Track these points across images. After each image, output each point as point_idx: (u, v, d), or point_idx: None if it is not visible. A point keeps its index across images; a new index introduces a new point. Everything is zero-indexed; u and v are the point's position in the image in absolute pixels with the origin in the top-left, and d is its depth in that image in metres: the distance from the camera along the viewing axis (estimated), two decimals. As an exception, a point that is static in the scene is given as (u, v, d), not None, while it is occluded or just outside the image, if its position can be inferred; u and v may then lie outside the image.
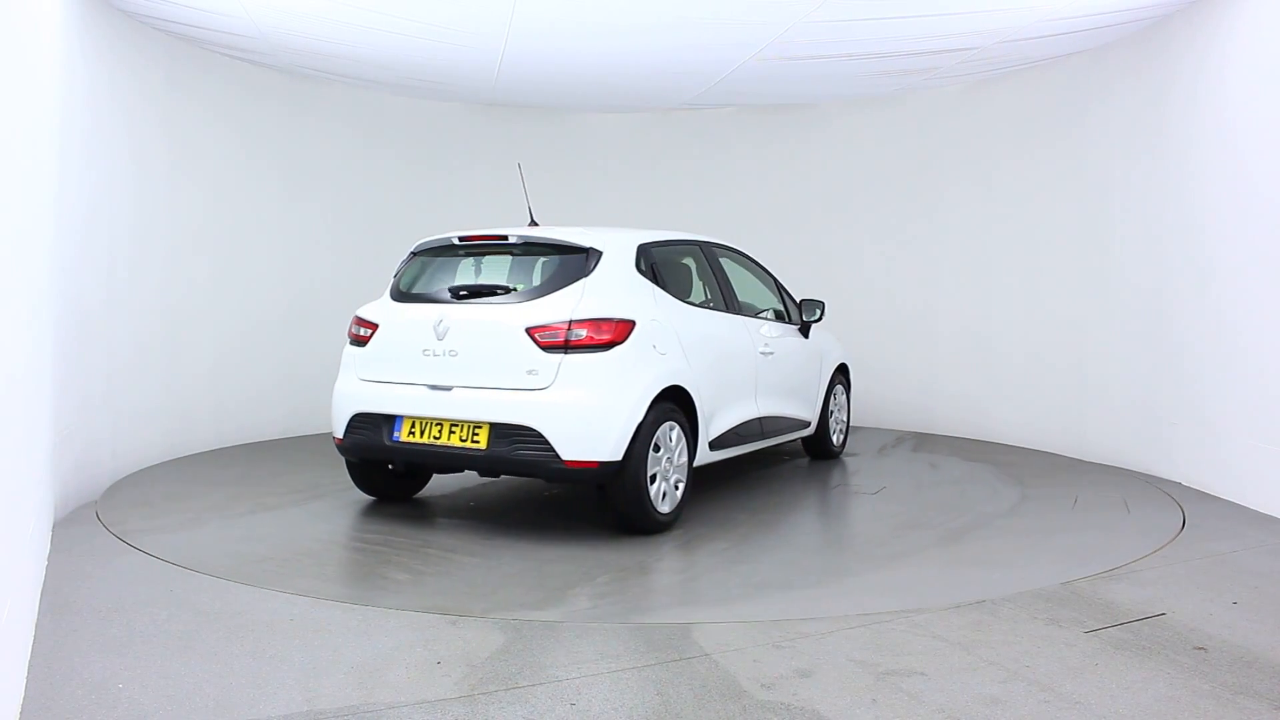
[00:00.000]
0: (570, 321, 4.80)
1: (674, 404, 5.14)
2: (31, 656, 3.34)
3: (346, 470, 5.81)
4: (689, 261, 6.09)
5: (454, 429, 4.95)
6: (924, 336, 8.63)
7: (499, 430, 4.83)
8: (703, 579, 4.49)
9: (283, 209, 8.02)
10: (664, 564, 4.71)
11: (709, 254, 6.18)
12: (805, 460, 7.42)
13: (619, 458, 4.77)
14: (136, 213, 6.56)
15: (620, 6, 6.17)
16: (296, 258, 8.06)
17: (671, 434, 5.12)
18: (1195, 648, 3.54)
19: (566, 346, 4.77)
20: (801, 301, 6.96)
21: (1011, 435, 8.00)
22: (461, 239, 5.42)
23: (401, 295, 5.43)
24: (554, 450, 4.72)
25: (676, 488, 5.22)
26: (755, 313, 6.53)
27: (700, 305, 5.80)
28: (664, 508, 5.10)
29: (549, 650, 3.47)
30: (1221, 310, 6.00)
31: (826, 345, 7.25)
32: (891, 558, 4.79)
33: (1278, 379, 5.53)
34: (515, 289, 5.13)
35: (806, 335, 6.87)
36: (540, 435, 4.73)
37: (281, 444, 7.70)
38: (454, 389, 4.97)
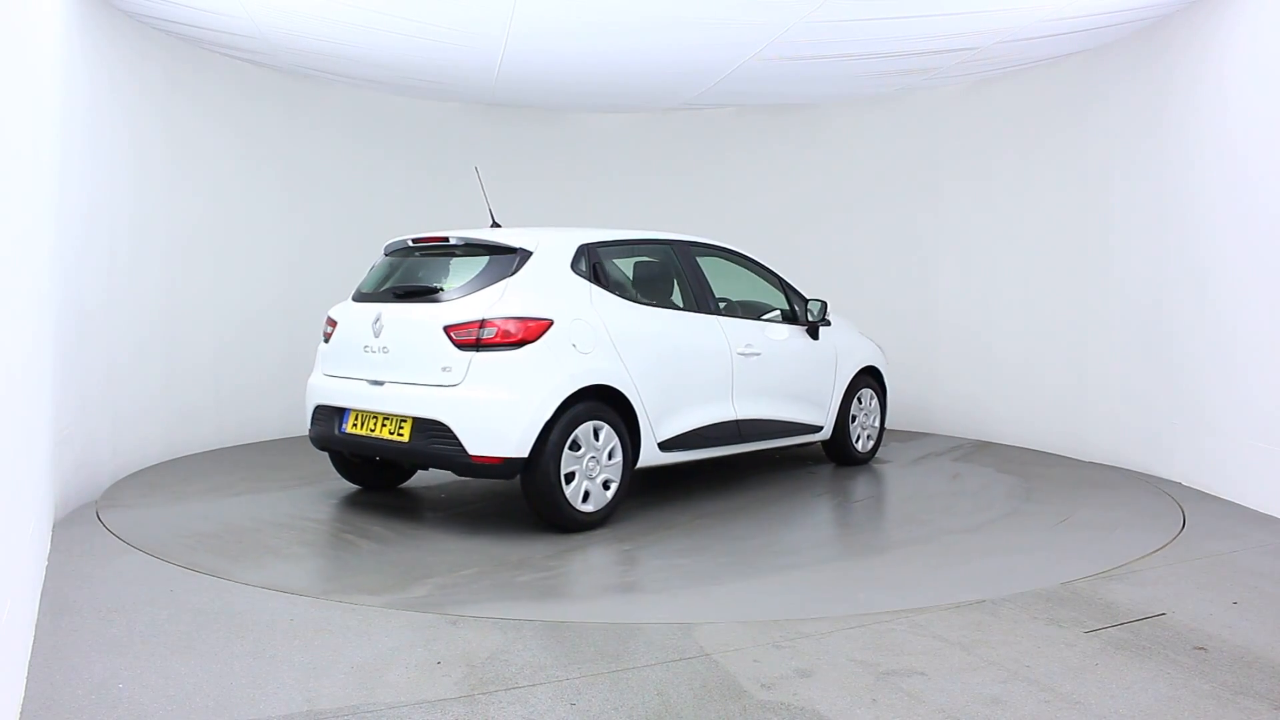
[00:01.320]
0: (482, 320, 4.94)
1: (603, 403, 5.19)
2: (31, 656, 3.34)
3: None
4: (654, 261, 6.09)
5: (385, 422, 5.15)
6: (924, 336, 8.63)
7: (418, 424, 4.99)
8: (575, 579, 4.44)
9: (282, 208, 8.02)
10: (544, 560, 4.63)
11: (683, 254, 6.09)
12: (825, 466, 7.12)
13: (524, 454, 4.87)
14: (136, 212, 6.56)
15: (620, 6, 6.17)
16: (296, 257, 8.06)
17: (599, 433, 5.16)
18: (1195, 648, 3.54)
19: (478, 345, 4.91)
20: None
21: (1011, 435, 8.00)
22: (414, 241, 5.63)
23: (360, 295, 5.70)
24: (461, 445, 4.86)
25: (606, 488, 5.23)
26: (759, 314, 6.50)
27: (658, 305, 5.77)
28: (585, 506, 5.13)
29: (549, 650, 3.47)
30: (1221, 309, 6.00)
31: (846, 347, 6.97)
32: (779, 570, 4.56)
33: (1278, 378, 5.53)
34: (443, 288, 5.29)
35: (815, 336, 6.69)
36: (450, 430, 4.87)
37: (281, 443, 7.70)
38: (386, 384, 5.20)
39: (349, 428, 5.35)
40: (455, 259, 5.45)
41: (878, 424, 7.32)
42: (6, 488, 2.85)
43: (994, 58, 7.27)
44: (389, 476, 6.12)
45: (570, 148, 9.49)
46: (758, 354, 6.15)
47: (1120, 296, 6.99)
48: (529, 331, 4.96)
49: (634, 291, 5.73)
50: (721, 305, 6.34)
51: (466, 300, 5.08)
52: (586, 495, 5.14)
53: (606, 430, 5.19)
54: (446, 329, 4.99)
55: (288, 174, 8.06)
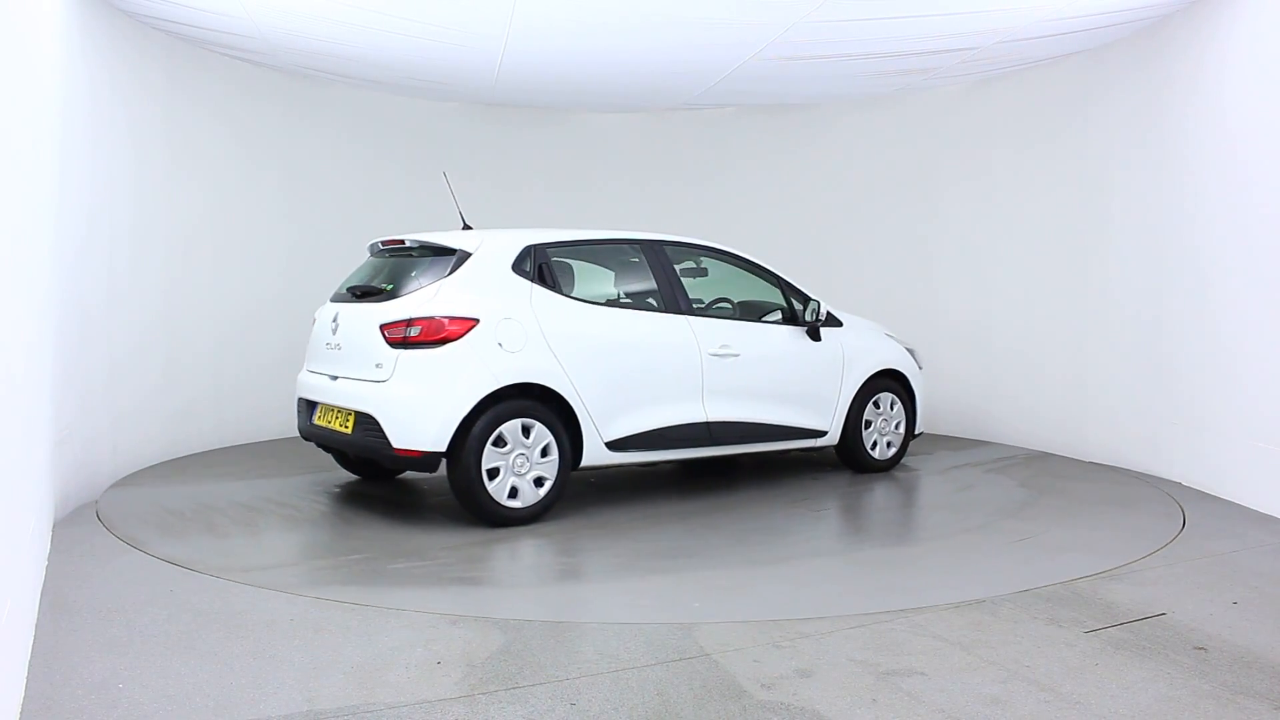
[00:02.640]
0: (409, 319, 5.16)
1: (538, 401, 5.29)
2: (31, 656, 3.34)
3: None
4: (619, 261, 6.12)
5: (336, 415, 5.47)
6: (924, 336, 8.62)
7: (358, 418, 5.28)
8: (446, 570, 4.53)
9: (282, 208, 8.02)
10: (439, 553, 4.79)
11: (653, 254, 6.04)
12: (836, 473, 6.82)
13: (442, 449, 5.05)
14: (137, 212, 6.56)
15: (620, 6, 6.17)
16: (296, 256, 8.06)
17: (530, 431, 5.25)
18: (1195, 648, 3.54)
19: (405, 342, 5.13)
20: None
21: (1011, 435, 8.00)
22: (383, 243, 5.92)
23: (334, 294, 6.02)
24: (386, 438, 5.09)
25: (540, 485, 5.30)
26: (760, 314, 6.45)
27: (617, 305, 5.81)
28: (512, 502, 5.23)
29: (549, 650, 3.47)
30: (1221, 309, 6.00)
31: (859, 348, 6.67)
32: (655, 571, 4.56)
33: (1277, 378, 5.54)
34: (388, 288, 5.51)
35: (816, 338, 6.47)
36: (378, 423, 5.12)
37: (281, 443, 7.69)
38: (339, 379, 5.51)
39: (316, 419, 5.67)
40: (410, 260, 5.67)
41: (902, 430, 6.95)
42: (6, 488, 2.85)
43: (994, 58, 7.27)
44: (379, 468, 6.31)
45: (570, 148, 9.49)
46: (736, 355, 6.02)
47: (1120, 296, 6.99)
48: (452, 330, 5.13)
49: (587, 292, 5.75)
50: (717, 306, 6.32)
51: (403, 300, 5.31)
52: (515, 491, 5.23)
53: (539, 428, 5.27)
54: (381, 327, 5.23)
55: (287, 174, 8.06)
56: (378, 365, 5.19)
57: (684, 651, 3.46)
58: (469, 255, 5.40)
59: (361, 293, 5.63)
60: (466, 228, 6.04)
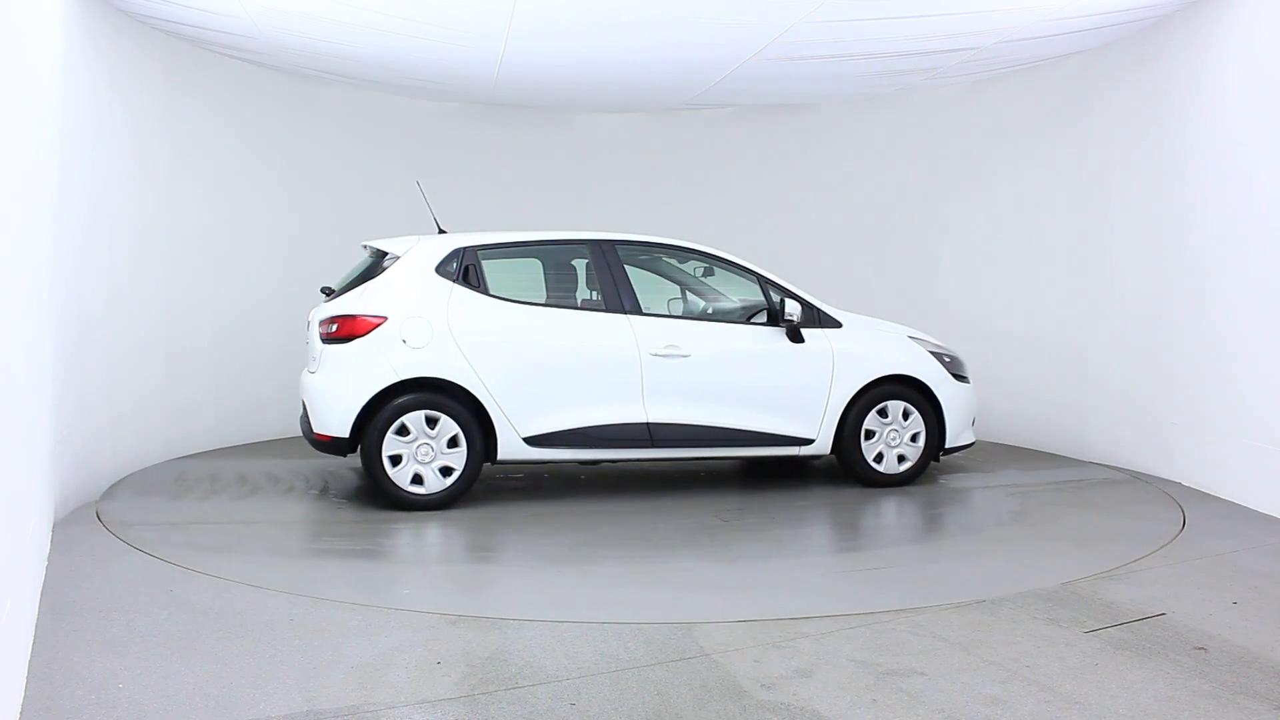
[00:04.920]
0: (332, 317, 5.70)
1: (447, 395, 5.59)
2: (31, 656, 3.34)
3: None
4: (563, 262, 6.22)
5: (303, 406, 5.96)
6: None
7: (302, 407, 5.93)
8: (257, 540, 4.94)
9: (283, 209, 8.01)
10: (296, 527, 5.36)
11: (601, 254, 6.04)
12: (835, 485, 6.38)
13: (345, 434, 5.53)
14: (137, 213, 6.56)
15: (620, 6, 6.17)
16: (297, 257, 8.05)
17: (436, 423, 5.56)
18: (1195, 648, 3.54)
19: (330, 338, 5.66)
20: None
21: (1011, 435, 8.00)
22: (364, 246, 6.32)
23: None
24: (310, 424, 5.71)
25: (446, 474, 5.58)
26: (748, 316, 6.26)
27: (548, 304, 5.98)
28: (416, 489, 5.56)
29: (549, 650, 3.47)
30: (1221, 308, 6.00)
31: (855, 352, 6.21)
32: (471, 572, 4.68)
33: (1276, 378, 5.53)
34: (340, 290, 5.99)
35: (797, 339, 6.12)
36: (306, 411, 5.80)
37: (281, 443, 7.69)
38: (306, 374, 6.01)
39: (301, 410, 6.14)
40: (367, 263, 6.11)
41: (921, 443, 6.32)
42: (6, 487, 2.85)
43: (994, 58, 7.27)
44: None
45: (570, 148, 9.48)
46: (685, 355, 5.90)
47: (1120, 295, 6.99)
48: (360, 327, 5.59)
49: (518, 292, 5.92)
50: (714, 308, 6.25)
51: (338, 300, 5.83)
52: (419, 478, 5.54)
53: (445, 420, 5.57)
54: (319, 324, 5.76)
55: (287, 174, 8.05)
56: (314, 359, 5.80)
57: (684, 651, 3.46)
58: (397, 258, 5.82)
59: (329, 294, 6.08)
60: (442, 232, 6.29)
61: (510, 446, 5.68)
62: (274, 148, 7.95)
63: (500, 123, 9.20)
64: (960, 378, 6.52)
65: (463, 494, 5.64)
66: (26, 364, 3.58)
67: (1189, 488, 6.25)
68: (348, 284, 5.98)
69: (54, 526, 5.05)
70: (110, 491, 5.94)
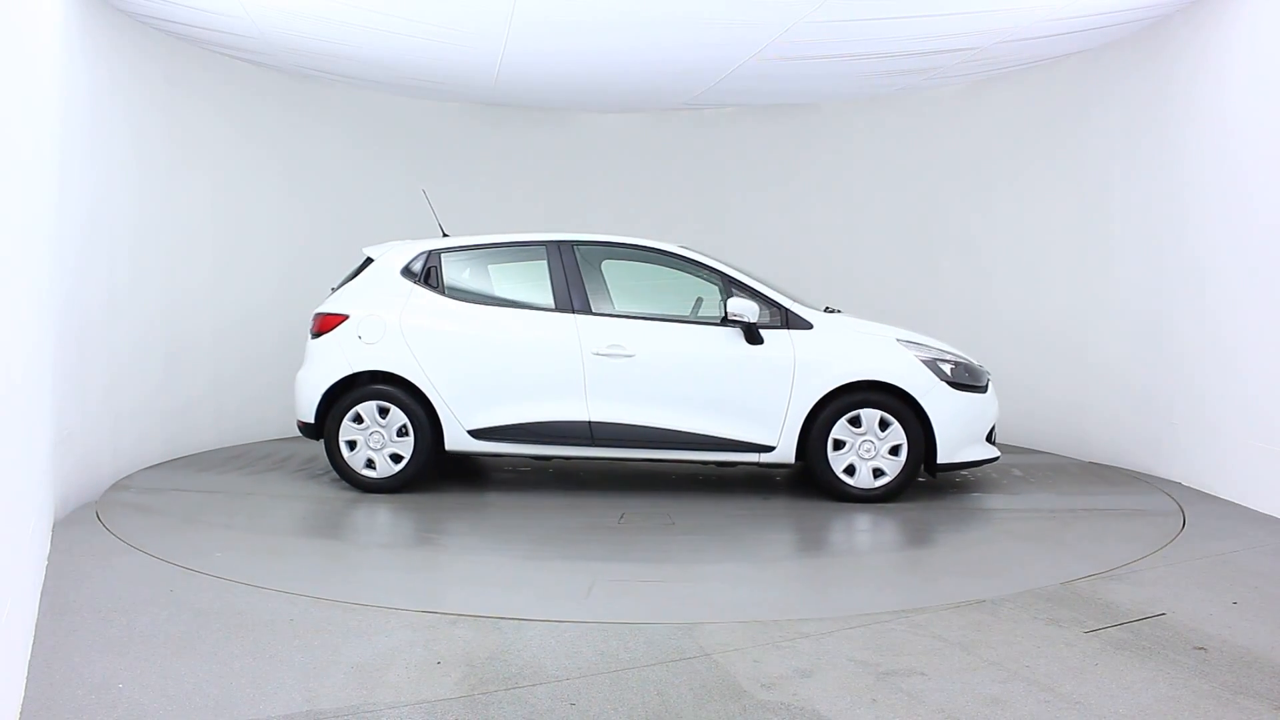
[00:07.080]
0: (314, 315, 6.30)
1: (399, 387, 6.02)
2: (31, 656, 3.34)
3: None
4: (521, 262, 6.39)
5: None
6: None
7: None
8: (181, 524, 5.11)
9: (284, 209, 8.01)
10: (236, 511, 5.57)
11: (558, 254, 6.11)
12: (791, 498, 6.06)
13: (311, 419, 6.14)
14: (137, 213, 6.56)
15: (620, 6, 6.17)
16: (297, 258, 8.06)
17: (388, 413, 6.02)
18: (1195, 648, 3.54)
19: (312, 334, 6.27)
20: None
21: (1011, 435, 8.00)
22: (363, 251, 6.66)
23: None
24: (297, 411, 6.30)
25: (396, 461, 6.02)
26: (728, 318, 5.87)
27: (490, 304, 6.15)
28: (368, 472, 6.06)
29: (549, 650, 3.47)
30: (1220, 309, 6.00)
31: (819, 357, 5.82)
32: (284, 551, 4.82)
33: (1277, 378, 5.54)
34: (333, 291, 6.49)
35: (756, 341, 5.84)
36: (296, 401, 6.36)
37: (281, 443, 7.70)
38: None
39: None
40: (359, 266, 6.49)
41: (904, 457, 5.83)
42: (7, 488, 2.85)
43: (994, 58, 7.27)
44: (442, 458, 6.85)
45: (570, 148, 9.48)
46: (629, 355, 5.85)
47: (1120, 295, 6.99)
48: (326, 324, 6.19)
49: (474, 292, 6.23)
50: (701, 307, 6.21)
51: (325, 300, 6.39)
52: (371, 463, 6.03)
53: (395, 411, 6.01)
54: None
55: (288, 174, 8.05)
56: (306, 353, 6.34)
57: (684, 651, 3.46)
58: (372, 261, 6.34)
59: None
60: (445, 236, 6.57)
61: (455, 438, 6.01)
62: (274, 147, 7.95)
63: (500, 123, 9.21)
64: (964, 386, 5.94)
65: (415, 479, 6.04)
66: (27, 364, 3.58)
67: (1189, 487, 6.25)
68: (339, 285, 6.43)
69: (54, 526, 5.05)
70: (110, 491, 5.94)
